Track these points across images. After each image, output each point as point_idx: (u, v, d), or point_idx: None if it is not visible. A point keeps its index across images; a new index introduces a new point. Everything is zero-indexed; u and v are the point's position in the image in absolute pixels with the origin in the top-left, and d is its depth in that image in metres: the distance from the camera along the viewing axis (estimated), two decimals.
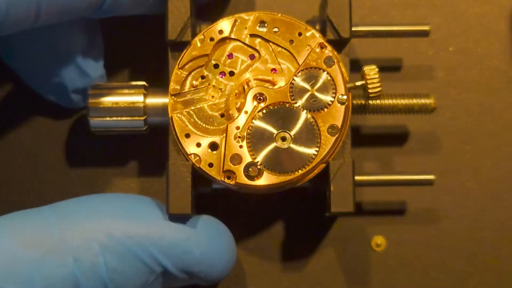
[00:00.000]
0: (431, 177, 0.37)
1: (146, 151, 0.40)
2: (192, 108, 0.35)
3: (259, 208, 0.40)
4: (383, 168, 0.40)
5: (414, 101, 0.37)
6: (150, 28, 0.40)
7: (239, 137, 0.34)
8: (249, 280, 0.40)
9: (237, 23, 0.35)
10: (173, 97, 0.35)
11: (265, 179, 0.34)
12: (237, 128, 0.34)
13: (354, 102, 0.37)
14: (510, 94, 0.40)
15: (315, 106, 0.34)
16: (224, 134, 0.34)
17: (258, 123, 0.34)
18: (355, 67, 0.37)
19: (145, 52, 0.40)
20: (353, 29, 0.36)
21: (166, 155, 0.35)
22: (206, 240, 0.34)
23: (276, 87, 0.35)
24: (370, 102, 0.37)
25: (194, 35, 0.35)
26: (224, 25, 0.35)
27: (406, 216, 0.40)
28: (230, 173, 0.34)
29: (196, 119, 0.35)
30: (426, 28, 0.37)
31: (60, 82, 0.38)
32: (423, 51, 0.40)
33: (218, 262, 0.35)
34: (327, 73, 0.35)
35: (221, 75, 0.35)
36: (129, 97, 0.36)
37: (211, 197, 0.38)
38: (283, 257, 0.40)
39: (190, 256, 0.34)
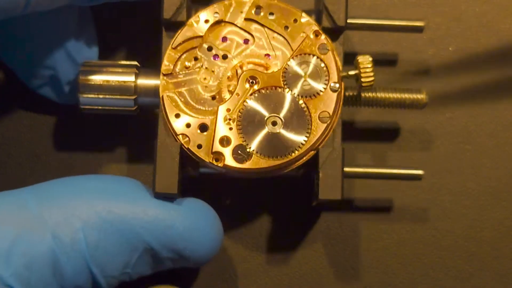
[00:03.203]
0: (419, 172, 0.37)
1: (144, 138, 0.40)
2: (184, 89, 0.35)
3: (246, 198, 0.39)
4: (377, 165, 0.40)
5: (406, 95, 0.37)
6: (144, 11, 0.39)
7: (230, 119, 0.34)
8: (234, 269, 0.39)
9: (233, 7, 0.35)
10: (165, 77, 0.35)
11: (254, 163, 0.34)
12: (228, 110, 0.34)
13: (347, 93, 0.37)
14: (509, 93, 0.40)
15: (307, 92, 0.34)
16: (215, 116, 0.34)
17: (249, 106, 0.34)
18: (353, 60, 0.37)
19: (138, 36, 0.40)
20: (349, 21, 0.36)
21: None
22: (190, 216, 0.34)
23: (269, 71, 0.35)
24: (362, 94, 0.37)
25: (189, 16, 0.35)
26: (220, 8, 0.35)
27: (406, 215, 0.40)
28: (218, 155, 0.34)
29: (188, 99, 0.35)
30: (420, 24, 0.37)
31: (53, 75, 0.37)
32: (423, 50, 0.41)
33: (203, 238, 0.34)
34: (321, 60, 0.35)
35: (214, 58, 0.35)
36: (120, 76, 0.36)
37: (198, 186, 0.38)
38: (269, 248, 0.39)
39: (173, 231, 0.33)
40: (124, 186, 0.34)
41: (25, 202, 0.32)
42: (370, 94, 0.37)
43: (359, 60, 0.35)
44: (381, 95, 0.37)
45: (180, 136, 0.34)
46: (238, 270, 0.39)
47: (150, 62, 0.37)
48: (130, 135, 0.40)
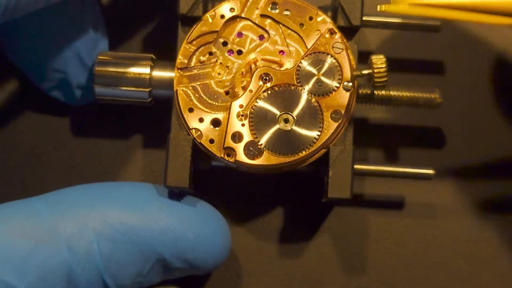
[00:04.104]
0: (430, 171, 0.37)
1: (151, 140, 0.40)
2: (198, 83, 0.35)
3: (257, 193, 0.40)
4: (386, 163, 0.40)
5: (419, 94, 0.37)
6: (159, 4, 0.40)
7: (242, 115, 0.34)
8: (235, 269, 0.39)
9: (249, 3, 0.35)
10: (179, 70, 0.35)
11: (265, 159, 0.34)
12: (241, 106, 0.34)
13: (360, 91, 0.37)
14: (510, 92, 0.40)
15: (320, 91, 0.34)
16: (227, 112, 0.34)
17: (262, 103, 0.34)
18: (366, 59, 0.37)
19: (152, 29, 0.40)
20: (364, 18, 0.36)
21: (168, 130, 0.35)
22: (200, 225, 0.34)
23: (283, 68, 0.35)
24: (375, 92, 0.37)
25: (205, 11, 0.36)
26: (236, 3, 0.35)
27: (406, 215, 0.40)
28: (230, 151, 0.34)
29: (201, 94, 0.35)
30: (436, 23, 0.37)
31: (64, 78, 0.38)
32: (426, 50, 0.40)
33: (213, 246, 0.34)
34: (335, 59, 0.35)
35: (229, 53, 0.35)
36: (135, 68, 0.36)
37: (209, 182, 0.38)
38: (279, 243, 0.39)
39: (184, 240, 0.34)
40: (136, 194, 0.35)
41: (39, 213, 0.33)
42: (383, 93, 0.37)
43: (373, 60, 0.35)
44: (394, 93, 0.37)
45: (193, 130, 0.34)
46: (238, 270, 0.39)
47: (165, 54, 0.37)
48: (132, 137, 0.40)
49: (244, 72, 0.35)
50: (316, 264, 0.39)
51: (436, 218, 0.40)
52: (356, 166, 0.36)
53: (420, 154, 0.40)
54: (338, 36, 0.35)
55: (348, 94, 0.34)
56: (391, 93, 0.37)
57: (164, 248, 0.33)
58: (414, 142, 0.40)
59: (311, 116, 0.34)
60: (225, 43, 0.35)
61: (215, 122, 0.35)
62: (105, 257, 0.32)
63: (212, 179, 0.39)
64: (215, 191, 0.39)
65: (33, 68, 0.38)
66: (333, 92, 0.34)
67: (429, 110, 0.38)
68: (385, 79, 0.35)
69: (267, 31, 0.35)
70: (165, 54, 0.37)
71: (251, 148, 0.34)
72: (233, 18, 0.35)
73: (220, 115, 0.35)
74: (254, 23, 0.35)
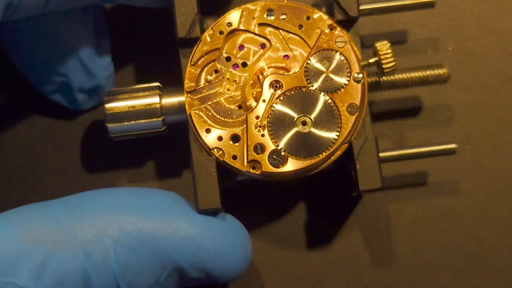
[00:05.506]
0: (452, 146, 0.37)
1: (150, 152, 0.40)
2: (209, 103, 0.35)
3: (280, 194, 0.40)
4: (397, 143, 0.40)
5: (428, 72, 0.37)
6: (157, 27, 0.40)
7: (260, 126, 0.34)
8: (272, 266, 0.39)
9: (244, 14, 0.35)
10: (189, 94, 0.35)
11: (290, 165, 0.34)
12: (257, 117, 0.34)
13: (368, 79, 0.37)
14: (508, 93, 0.40)
15: (331, 87, 0.34)
16: (245, 125, 0.34)
17: (277, 110, 0.34)
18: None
19: (154, 52, 0.40)
20: (360, 7, 0.36)
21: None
22: (221, 236, 0.34)
23: (291, 72, 0.35)
24: (384, 78, 0.37)
25: (203, 31, 0.35)
26: (232, 17, 0.35)
27: (405, 215, 0.40)
28: (255, 163, 0.34)
29: (215, 113, 0.35)
30: None
31: (65, 82, 0.38)
32: (422, 50, 0.40)
33: (233, 258, 0.34)
34: (340, 53, 0.35)
35: (234, 67, 0.35)
36: (145, 100, 0.36)
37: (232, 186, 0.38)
38: (268, 248, 0.39)
39: (203, 251, 0.33)
40: (156, 200, 0.34)
41: (57, 217, 0.32)
42: (392, 77, 0.37)
43: (378, 47, 0.35)
44: (403, 76, 0.37)
45: (214, 150, 0.34)
46: (261, 257, 0.39)
47: (169, 77, 0.38)
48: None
49: (253, 83, 0.35)
50: (314, 265, 0.39)
51: (433, 218, 0.40)
52: (380, 154, 0.36)
53: (426, 134, 0.40)
54: (338, 30, 0.35)
55: (360, 85, 0.34)
56: (400, 76, 0.37)
57: (182, 258, 0.33)
58: (416, 122, 0.40)
59: (328, 114, 0.34)
60: (228, 58, 0.35)
61: (234, 138, 0.35)
62: (122, 264, 0.32)
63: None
64: (239, 193, 0.39)
65: (35, 71, 0.38)
66: (345, 87, 0.34)
67: (426, 87, 0.38)
68: (393, 63, 0.35)
69: (267, 39, 0.35)
70: (168, 77, 0.37)
71: (275, 157, 0.34)
72: (232, 32, 0.35)
73: (237, 130, 0.35)
74: (254, 33, 0.35)
